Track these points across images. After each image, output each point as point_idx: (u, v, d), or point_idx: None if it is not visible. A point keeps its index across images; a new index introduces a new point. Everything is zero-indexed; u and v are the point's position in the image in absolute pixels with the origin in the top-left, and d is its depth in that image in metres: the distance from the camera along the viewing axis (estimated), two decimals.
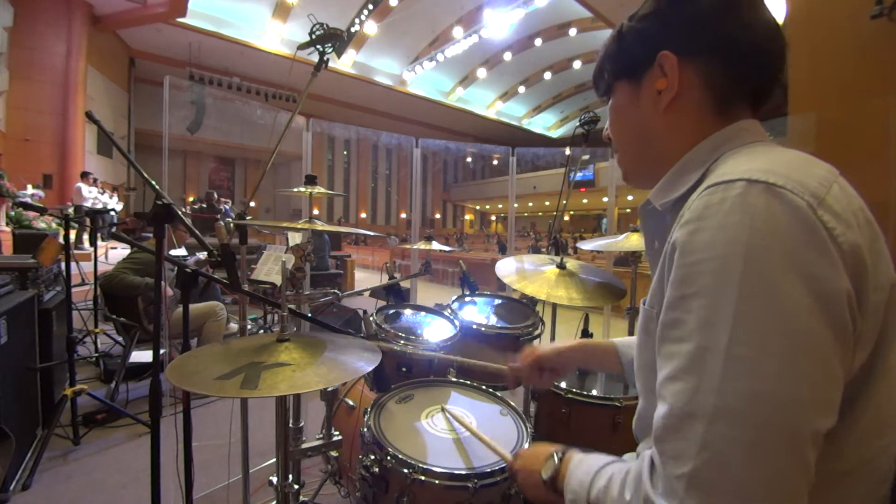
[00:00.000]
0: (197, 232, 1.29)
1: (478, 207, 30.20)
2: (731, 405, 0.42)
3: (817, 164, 0.51)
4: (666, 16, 0.57)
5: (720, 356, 0.43)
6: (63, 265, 2.26)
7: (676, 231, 0.49)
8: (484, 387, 1.24)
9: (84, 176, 8.09)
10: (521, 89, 20.40)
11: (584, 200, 21.60)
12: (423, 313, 1.70)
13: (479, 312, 1.76)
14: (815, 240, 0.43)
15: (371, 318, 1.40)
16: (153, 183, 1.19)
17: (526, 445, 0.98)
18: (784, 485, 0.41)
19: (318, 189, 1.27)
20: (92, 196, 7.89)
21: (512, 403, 1.16)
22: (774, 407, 0.41)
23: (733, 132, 0.57)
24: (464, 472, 0.89)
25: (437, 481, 0.88)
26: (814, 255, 0.42)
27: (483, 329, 1.55)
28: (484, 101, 21.30)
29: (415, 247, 2.41)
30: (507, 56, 17.06)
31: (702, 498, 0.42)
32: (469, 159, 27.89)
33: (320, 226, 1.18)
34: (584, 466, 0.61)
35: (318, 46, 1.36)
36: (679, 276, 0.47)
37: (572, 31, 15.30)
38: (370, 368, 0.83)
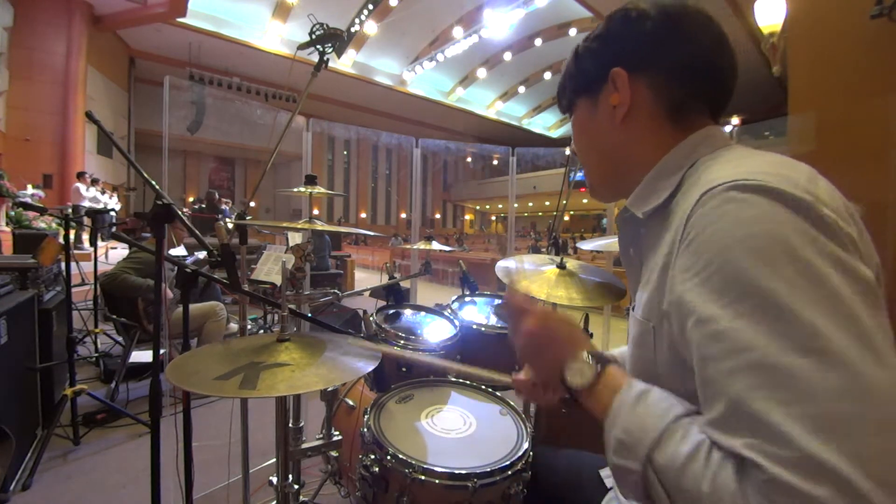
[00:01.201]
0: (197, 232, 1.29)
1: (478, 207, 30.19)
2: (843, 409, 0.37)
3: (797, 164, 0.51)
4: (616, 36, 0.61)
5: (814, 355, 0.39)
6: (63, 265, 2.26)
7: (684, 250, 0.49)
8: (484, 387, 1.24)
9: (80, 176, 8.08)
10: (521, 89, 20.39)
11: (584, 200, 21.58)
12: (423, 313, 1.70)
13: (479, 312, 1.76)
14: (830, 230, 0.43)
15: (371, 318, 1.40)
16: (153, 183, 1.19)
17: (525, 445, 0.98)
18: None
19: (318, 189, 1.27)
20: (91, 195, 7.88)
21: (512, 403, 1.16)
22: (881, 381, 0.38)
23: (702, 137, 0.59)
24: (464, 472, 0.89)
25: (437, 481, 0.88)
26: (835, 244, 0.43)
27: (483, 329, 1.55)
28: (484, 101, 21.30)
29: (415, 247, 2.41)
30: (507, 56, 17.06)
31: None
32: (469, 159, 27.88)
33: (320, 226, 1.18)
34: (650, 406, 0.49)
35: (318, 46, 1.36)
36: (711, 287, 0.44)
37: (572, 31, 15.29)
38: (370, 368, 0.83)
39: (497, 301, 1.87)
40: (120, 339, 2.97)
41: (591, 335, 1.72)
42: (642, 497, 0.48)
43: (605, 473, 0.85)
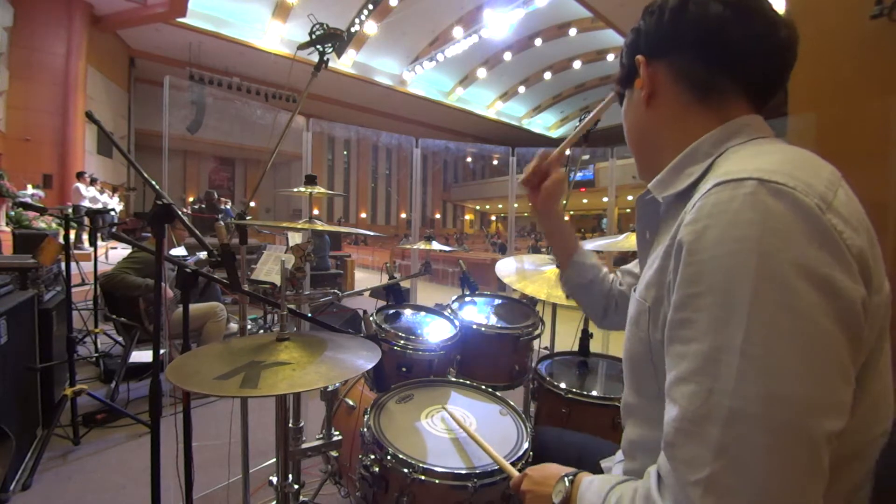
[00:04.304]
0: (197, 232, 1.29)
1: (478, 207, 30.19)
2: (748, 408, 0.41)
3: (822, 165, 0.51)
4: (640, 28, 0.66)
5: (734, 356, 0.42)
6: (63, 265, 2.26)
7: (682, 230, 0.49)
8: (484, 386, 1.24)
9: (80, 176, 8.07)
10: (521, 89, 20.39)
11: (584, 200, 21.60)
12: (423, 313, 1.70)
13: (479, 312, 1.76)
14: (828, 242, 0.43)
15: (371, 318, 1.40)
16: (153, 183, 1.19)
17: (525, 445, 0.98)
18: (801, 488, 0.41)
19: (318, 189, 1.27)
20: (90, 195, 7.88)
21: (511, 403, 1.16)
22: (791, 409, 0.40)
23: (736, 127, 0.58)
24: (464, 472, 0.89)
25: (437, 481, 0.88)
26: (827, 258, 0.42)
27: (483, 329, 1.56)
28: (484, 101, 21.30)
29: (415, 247, 2.41)
30: (507, 56, 17.05)
31: (719, 503, 0.41)
32: (469, 159, 27.89)
33: (320, 226, 1.18)
34: (595, 488, 0.59)
35: (318, 46, 1.36)
36: (688, 274, 0.46)
37: (572, 31, 15.30)
38: (370, 367, 0.83)
39: (497, 301, 1.87)
40: (120, 339, 2.97)
41: (591, 335, 1.72)
42: None
43: (606, 465, 0.85)
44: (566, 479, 0.65)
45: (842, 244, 0.43)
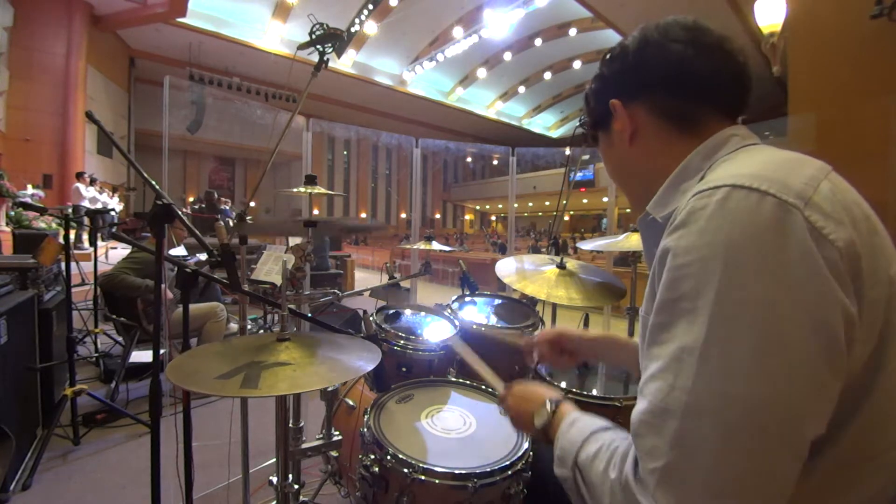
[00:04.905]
0: (197, 232, 1.29)
1: (478, 207, 30.19)
2: (702, 404, 0.43)
3: (807, 162, 0.51)
4: (606, 75, 0.69)
5: (695, 356, 0.44)
6: (63, 265, 2.26)
7: (664, 238, 0.51)
8: (484, 386, 1.24)
9: (79, 176, 8.07)
10: (521, 89, 20.38)
11: (584, 200, 21.58)
12: (423, 313, 1.70)
13: (479, 312, 1.76)
14: (794, 242, 0.43)
15: (371, 318, 1.40)
16: (153, 183, 1.19)
17: (525, 445, 0.98)
18: (753, 485, 0.42)
19: (318, 189, 1.27)
20: (90, 195, 7.88)
21: None
22: (744, 408, 0.42)
23: (721, 139, 0.59)
24: (464, 472, 0.89)
25: (437, 481, 0.88)
26: (792, 258, 0.43)
27: (483, 329, 1.55)
28: (484, 101, 21.28)
29: (415, 247, 2.41)
30: (507, 56, 17.04)
31: (670, 492, 0.44)
32: (469, 159, 27.88)
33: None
34: (577, 428, 0.62)
35: (318, 46, 1.36)
36: (666, 280, 0.49)
37: (572, 31, 15.29)
38: (370, 368, 0.83)
39: (497, 301, 1.87)
40: (120, 339, 2.97)
41: None
42: (579, 500, 0.57)
43: None
44: (550, 404, 0.69)
45: (811, 242, 0.43)
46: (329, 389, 1.05)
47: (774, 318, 0.42)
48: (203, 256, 2.27)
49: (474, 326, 1.55)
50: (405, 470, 0.89)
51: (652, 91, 0.63)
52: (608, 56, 0.68)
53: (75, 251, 5.22)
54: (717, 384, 0.43)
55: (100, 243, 5.05)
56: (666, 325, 0.48)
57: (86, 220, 3.94)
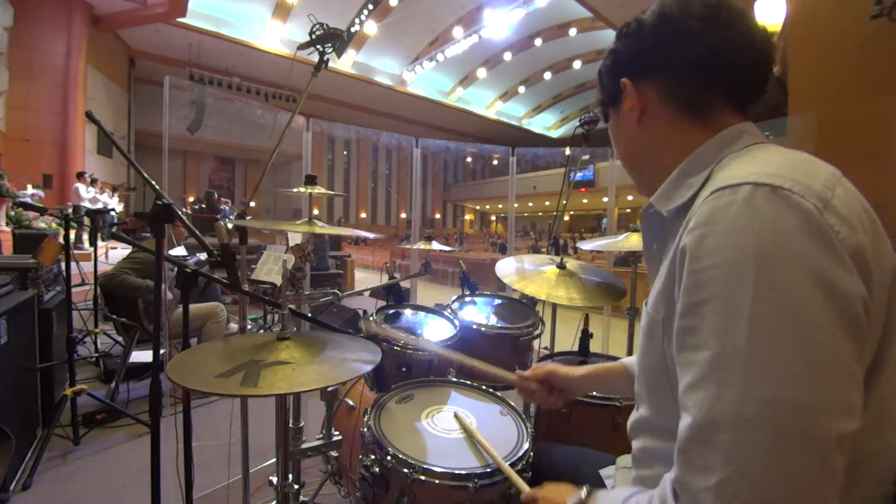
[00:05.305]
0: (197, 232, 1.29)
1: (478, 207, 30.19)
2: (754, 413, 0.41)
3: (820, 165, 0.51)
4: (619, 51, 0.67)
5: (738, 362, 0.42)
6: (63, 265, 2.26)
7: (685, 237, 0.49)
8: (484, 387, 1.24)
9: (80, 176, 8.07)
10: (521, 89, 20.38)
11: (584, 200, 21.58)
12: (423, 313, 1.70)
13: (479, 312, 1.76)
14: (825, 243, 0.43)
15: (371, 318, 1.40)
16: (153, 183, 1.19)
17: (526, 445, 0.98)
18: (812, 492, 0.40)
19: (318, 189, 1.27)
20: (90, 195, 7.88)
21: (512, 403, 1.16)
22: (797, 412, 0.40)
23: (733, 135, 0.58)
24: (464, 472, 0.89)
25: (437, 481, 0.88)
26: (826, 258, 0.42)
27: (483, 329, 1.55)
28: (484, 101, 21.29)
29: (415, 247, 2.41)
30: (507, 56, 17.05)
31: None
32: (469, 159, 27.88)
33: (319, 228, 1.18)
34: (612, 497, 0.59)
35: (318, 46, 1.36)
36: (690, 282, 0.47)
37: (572, 31, 15.29)
38: (370, 368, 0.83)
39: (497, 301, 1.87)
40: (120, 339, 2.97)
41: (591, 335, 1.72)
42: None
43: (605, 473, 0.85)
44: (584, 489, 0.65)
45: (838, 244, 0.43)
46: (329, 389, 1.05)
47: (816, 316, 0.41)
48: (203, 256, 2.27)
49: (474, 326, 1.55)
50: (405, 470, 0.89)
51: (664, 71, 0.62)
52: (623, 30, 0.65)
53: (75, 251, 5.22)
54: (767, 390, 0.41)
55: (100, 243, 5.05)
56: (695, 330, 0.46)
57: (86, 220, 3.94)
